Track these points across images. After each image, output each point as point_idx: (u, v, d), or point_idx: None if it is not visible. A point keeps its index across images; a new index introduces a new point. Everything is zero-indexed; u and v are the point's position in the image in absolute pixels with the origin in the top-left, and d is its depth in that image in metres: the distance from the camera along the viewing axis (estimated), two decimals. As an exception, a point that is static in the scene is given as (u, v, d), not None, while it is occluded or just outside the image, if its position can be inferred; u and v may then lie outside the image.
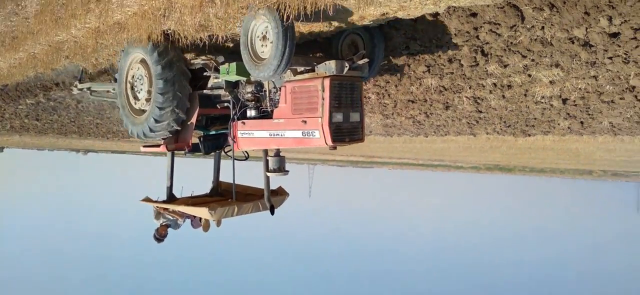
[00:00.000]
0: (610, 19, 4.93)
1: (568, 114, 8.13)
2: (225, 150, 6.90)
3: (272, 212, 6.34)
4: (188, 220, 7.24)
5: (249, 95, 6.12)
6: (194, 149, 6.80)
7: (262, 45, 5.29)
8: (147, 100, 6.46)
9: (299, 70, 5.62)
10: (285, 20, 4.88)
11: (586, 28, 5.23)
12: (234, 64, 5.88)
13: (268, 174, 6.16)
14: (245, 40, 5.40)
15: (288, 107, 5.64)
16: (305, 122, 5.44)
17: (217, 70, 6.30)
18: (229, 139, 6.45)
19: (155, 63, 6.14)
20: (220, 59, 6.20)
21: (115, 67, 8.21)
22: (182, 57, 6.38)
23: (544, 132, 9.95)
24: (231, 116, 6.25)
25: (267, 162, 6.24)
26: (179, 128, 6.49)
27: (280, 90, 5.79)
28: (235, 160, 6.67)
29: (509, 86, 7.27)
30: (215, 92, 6.54)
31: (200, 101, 6.51)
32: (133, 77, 6.69)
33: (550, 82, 6.73)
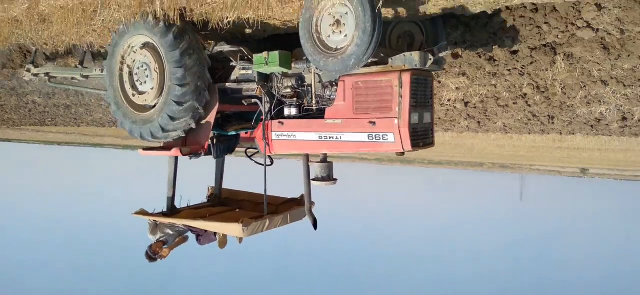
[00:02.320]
0: (513, 39, 5.84)
1: (468, 115, 9.03)
2: (249, 155, 5.85)
3: (315, 227, 5.43)
4: (191, 236, 6.09)
5: (288, 90, 5.16)
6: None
7: (335, 33, 4.39)
8: (155, 93, 5.27)
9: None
10: (376, 3, 4.08)
11: (492, 46, 6.07)
12: (276, 53, 4.89)
13: (315, 183, 5.24)
14: (308, 25, 4.47)
15: (348, 106, 4.76)
16: (373, 123, 4.61)
17: (247, 59, 5.26)
18: (257, 141, 5.45)
19: (171, 48, 4.98)
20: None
21: (83, 48, 6.85)
22: (200, 41, 5.27)
23: (446, 129, 10.78)
24: (264, 115, 5.25)
25: (308, 169, 5.33)
26: (194, 127, 5.36)
27: (334, 86, 4.91)
28: (257, 164, 5.70)
29: (420, 91, 7.89)
30: (237, 86, 5.49)
31: (220, 96, 5.43)
32: (131, 65, 5.43)
33: (457, 88, 7.62)
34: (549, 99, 7.30)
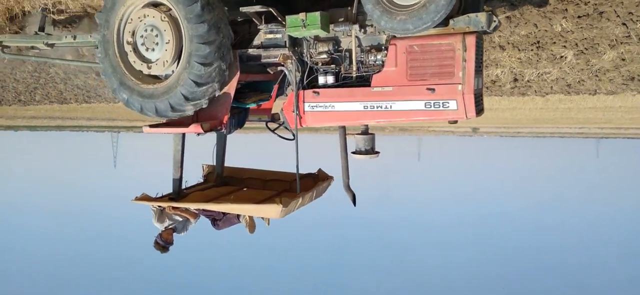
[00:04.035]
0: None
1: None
2: (271, 129, 5.22)
3: (355, 202, 4.97)
4: (205, 220, 5.38)
5: (324, 56, 4.60)
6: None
7: (405, -12, 3.90)
8: (169, 60, 4.48)
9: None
10: None
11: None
12: (317, 14, 4.28)
13: (356, 156, 4.76)
14: None
15: (400, 72, 4.30)
16: (432, 90, 4.21)
17: (276, 21, 4.60)
18: (283, 114, 4.85)
19: (196, 20, 4.22)
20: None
21: (44, 13, 5.76)
22: (225, 10, 4.54)
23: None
24: (295, 84, 4.65)
25: (345, 142, 4.84)
26: (219, 93, 4.65)
27: (382, 50, 4.42)
28: (282, 139, 5.14)
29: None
30: (255, 52, 4.82)
31: (240, 64, 4.75)
32: (135, 28, 4.57)
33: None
34: (453, 64, 7.66)
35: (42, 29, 5.72)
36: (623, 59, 6.71)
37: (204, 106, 4.61)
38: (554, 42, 6.64)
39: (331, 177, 5.48)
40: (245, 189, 5.62)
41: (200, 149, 5.98)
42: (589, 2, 5.71)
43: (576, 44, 6.64)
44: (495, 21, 4.12)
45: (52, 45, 5.72)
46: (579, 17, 5.93)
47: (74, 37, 5.50)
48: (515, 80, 8.02)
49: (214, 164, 5.80)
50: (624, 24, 5.88)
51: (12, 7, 5.70)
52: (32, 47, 5.82)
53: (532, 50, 6.88)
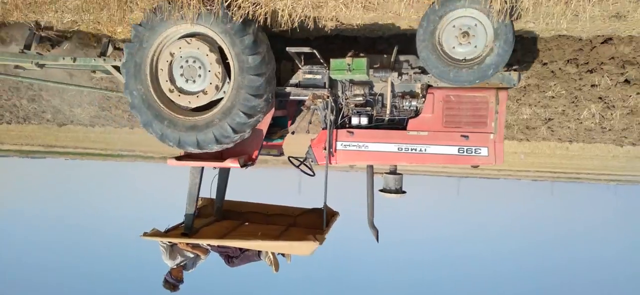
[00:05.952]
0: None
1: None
2: (295, 164, 5.15)
3: (378, 239, 5.05)
4: (216, 256, 5.12)
5: (359, 98, 4.73)
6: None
7: (462, 44, 4.18)
8: (210, 96, 4.33)
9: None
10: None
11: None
12: (364, 59, 4.44)
13: (385, 195, 4.88)
14: (431, 38, 4.20)
15: (436, 118, 4.58)
16: (466, 137, 4.53)
17: (317, 62, 4.64)
18: (311, 150, 4.86)
19: (249, 51, 4.19)
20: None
21: (31, 30, 5.23)
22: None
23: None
24: (328, 123, 4.71)
25: (372, 180, 4.95)
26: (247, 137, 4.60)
27: (420, 97, 4.65)
28: (306, 174, 5.15)
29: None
30: (290, 89, 4.82)
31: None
32: (172, 58, 4.36)
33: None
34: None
35: (28, 47, 5.14)
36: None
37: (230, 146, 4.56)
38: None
39: (337, 213, 5.53)
40: (246, 223, 5.50)
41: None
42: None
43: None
44: (521, 78, 4.57)
45: (42, 66, 5.18)
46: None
47: (74, 60, 5.04)
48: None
49: (211, 197, 5.61)
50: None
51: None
52: (17, 67, 5.21)
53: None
